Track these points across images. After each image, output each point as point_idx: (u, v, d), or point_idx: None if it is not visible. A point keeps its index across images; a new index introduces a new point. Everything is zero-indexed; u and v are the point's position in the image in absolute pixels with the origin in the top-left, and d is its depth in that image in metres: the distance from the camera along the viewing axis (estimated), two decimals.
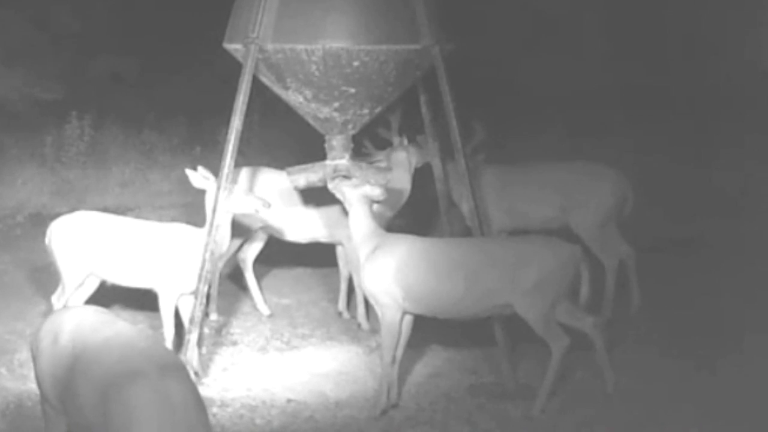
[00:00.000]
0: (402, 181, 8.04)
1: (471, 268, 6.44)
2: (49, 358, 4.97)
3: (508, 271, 6.40)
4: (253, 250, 8.43)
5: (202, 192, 8.19)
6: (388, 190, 7.83)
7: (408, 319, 6.61)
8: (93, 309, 5.24)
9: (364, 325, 8.13)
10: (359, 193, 6.65)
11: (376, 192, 6.67)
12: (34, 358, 5.11)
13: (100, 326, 4.94)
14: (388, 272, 6.46)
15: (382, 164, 8.09)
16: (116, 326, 4.96)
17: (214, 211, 6.86)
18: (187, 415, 4.49)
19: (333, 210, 7.87)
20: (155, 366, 4.64)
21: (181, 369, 4.76)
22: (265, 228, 8.19)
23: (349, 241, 7.11)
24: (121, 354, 4.71)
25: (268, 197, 7.39)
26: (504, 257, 6.48)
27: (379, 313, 6.59)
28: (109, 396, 4.50)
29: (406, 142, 8.22)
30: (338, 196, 6.75)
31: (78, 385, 4.72)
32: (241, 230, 7.87)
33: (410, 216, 9.37)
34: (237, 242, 8.03)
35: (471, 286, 6.40)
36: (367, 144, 8.27)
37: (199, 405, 4.58)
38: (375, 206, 6.86)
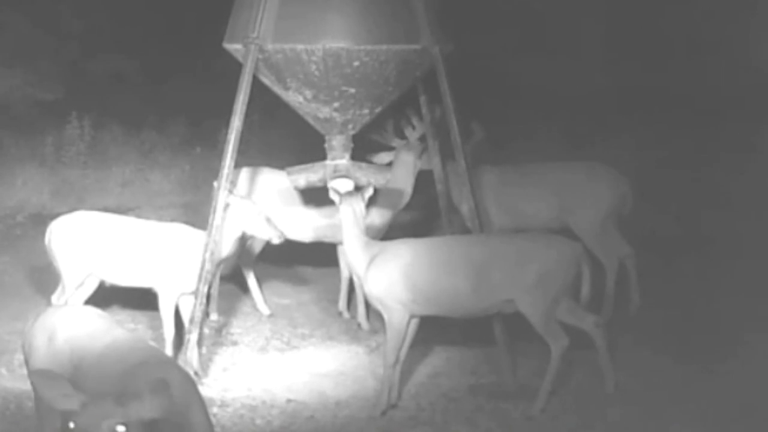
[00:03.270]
0: (404, 182, 8.04)
1: (475, 264, 6.46)
2: (44, 358, 4.96)
3: (510, 266, 6.41)
4: (253, 250, 8.42)
5: (203, 192, 8.20)
6: (390, 190, 7.85)
7: (414, 321, 6.61)
8: (86, 311, 5.24)
9: (364, 325, 8.13)
10: (349, 210, 6.62)
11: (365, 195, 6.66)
12: (27, 356, 5.11)
13: (97, 333, 4.94)
14: (396, 277, 6.46)
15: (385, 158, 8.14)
16: (113, 333, 4.97)
17: (214, 211, 6.87)
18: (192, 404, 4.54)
19: (333, 209, 7.87)
20: (158, 359, 4.77)
21: (181, 368, 4.82)
22: None
23: None
24: (124, 358, 4.73)
25: (268, 198, 7.41)
26: (506, 252, 6.49)
27: (386, 317, 6.58)
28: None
29: (413, 143, 8.22)
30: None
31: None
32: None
33: (410, 216, 9.39)
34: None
35: (476, 282, 6.41)
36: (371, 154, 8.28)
37: (201, 398, 4.63)
38: (375, 211, 6.85)
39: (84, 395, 4.11)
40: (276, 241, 7.06)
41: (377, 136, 8.25)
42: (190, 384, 4.66)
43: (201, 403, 4.65)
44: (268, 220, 7.03)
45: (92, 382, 4.70)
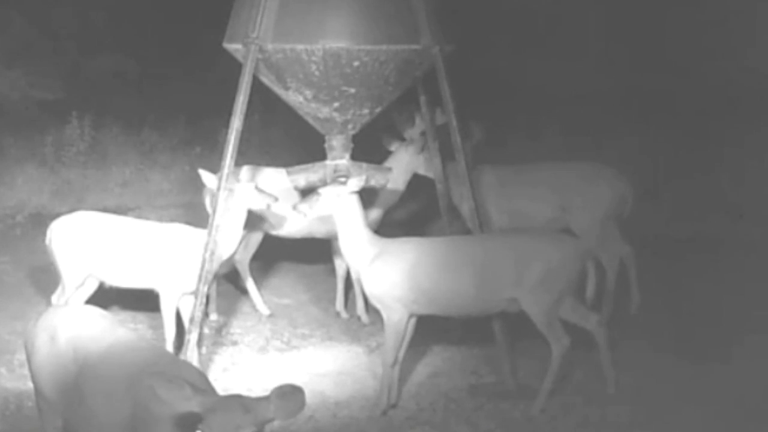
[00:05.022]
0: (396, 179, 8.02)
1: (480, 263, 6.46)
2: (46, 357, 4.97)
3: (514, 265, 6.41)
4: (248, 250, 8.41)
5: (202, 192, 8.16)
6: (381, 189, 7.83)
7: (412, 320, 6.61)
8: (88, 310, 5.25)
9: (364, 318, 8.15)
10: (348, 199, 6.59)
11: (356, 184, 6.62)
12: (29, 355, 5.12)
13: (100, 334, 4.94)
14: (399, 277, 6.45)
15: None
16: (116, 333, 4.97)
17: (214, 211, 6.87)
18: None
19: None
20: (166, 356, 4.82)
21: (183, 360, 4.87)
22: (261, 225, 8.16)
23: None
24: (130, 355, 4.74)
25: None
26: (510, 251, 6.49)
27: (385, 316, 6.58)
28: (132, 391, 4.52)
29: (415, 138, 8.22)
30: (326, 210, 6.68)
31: (86, 395, 4.73)
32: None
33: (404, 213, 9.38)
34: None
35: (480, 282, 6.42)
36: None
37: (212, 386, 4.65)
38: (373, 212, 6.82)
39: (204, 397, 4.04)
40: (274, 206, 7.10)
41: (393, 119, 8.26)
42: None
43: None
44: (260, 190, 7.07)
45: (96, 382, 4.71)
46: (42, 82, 12.25)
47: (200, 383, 4.57)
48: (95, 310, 5.23)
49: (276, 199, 7.11)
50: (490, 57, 11.79)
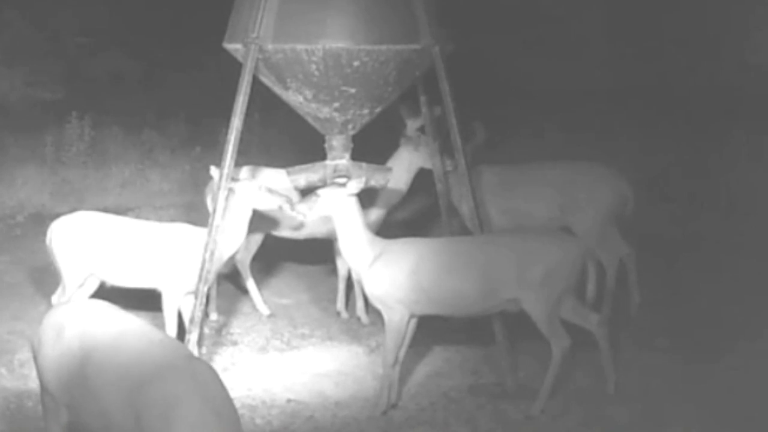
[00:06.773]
0: (398, 179, 8.01)
1: (481, 263, 6.46)
2: (51, 352, 4.99)
3: (515, 265, 6.41)
4: (249, 250, 8.41)
5: (203, 192, 8.16)
6: (382, 189, 7.83)
7: (413, 321, 6.61)
8: (95, 303, 5.26)
9: (364, 318, 8.15)
10: (347, 201, 6.59)
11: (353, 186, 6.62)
12: (36, 351, 5.13)
13: (106, 324, 4.95)
14: (401, 278, 6.45)
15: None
16: (124, 325, 4.97)
17: (214, 211, 6.87)
18: (222, 396, 4.58)
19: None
20: (180, 354, 4.75)
21: (196, 357, 4.89)
22: (262, 226, 8.16)
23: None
24: (141, 349, 4.74)
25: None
26: (511, 251, 6.49)
27: (386, 317, 6.58)
28: (144, 391, 4.53)
29: (412, 134, 8.21)
30: (325, 212, 6.69)
31: (94, 386, 4.73)
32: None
33: (406, 213, 9.38)
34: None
35: (482, 282, 6.42)
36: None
37: (224, 386, 4.66)
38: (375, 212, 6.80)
39: None
40: (286, 207, 7.05)
41: (399, 110, 8.25)
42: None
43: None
44: (270, 190, 7.04)
45: (103, 375, 4.71)
46: (42, 82, 12.26)
47: (212, 379, 4.59)
48: (102, 304, 5.23)
49: (290, 200, 7.05)
50: (491, 56, 11.79)
